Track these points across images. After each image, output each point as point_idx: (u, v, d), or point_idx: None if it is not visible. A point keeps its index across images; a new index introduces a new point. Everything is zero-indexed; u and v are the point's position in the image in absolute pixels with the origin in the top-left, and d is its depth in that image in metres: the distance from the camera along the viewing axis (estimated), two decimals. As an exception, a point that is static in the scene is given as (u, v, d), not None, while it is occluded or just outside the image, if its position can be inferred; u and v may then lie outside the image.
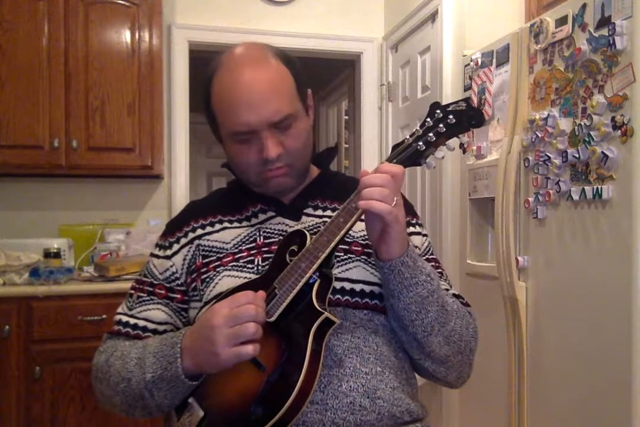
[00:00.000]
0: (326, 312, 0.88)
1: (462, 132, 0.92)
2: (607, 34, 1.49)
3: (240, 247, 1.04)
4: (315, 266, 0.89)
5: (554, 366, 1.72)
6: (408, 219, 1.10)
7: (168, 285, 1.06)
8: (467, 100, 0.92)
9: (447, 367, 1.01)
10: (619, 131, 1.46)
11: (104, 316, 2.26)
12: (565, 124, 1.65)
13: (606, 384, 1.51)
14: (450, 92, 2.46)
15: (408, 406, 0.96)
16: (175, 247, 1.08)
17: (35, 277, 2.30)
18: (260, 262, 1.01)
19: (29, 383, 2.23)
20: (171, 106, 2.93)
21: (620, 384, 1.45)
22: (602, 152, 1.49)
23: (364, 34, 3.22)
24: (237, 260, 1.02)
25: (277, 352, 0.88)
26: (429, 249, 1.13)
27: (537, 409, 1.79)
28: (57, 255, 2.42)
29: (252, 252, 1.03)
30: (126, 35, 2.61)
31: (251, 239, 1.05)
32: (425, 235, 1.14)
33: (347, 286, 0.99)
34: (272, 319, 0.89)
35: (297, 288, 0.89)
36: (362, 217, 0.91)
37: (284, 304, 0.89)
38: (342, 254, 1.02)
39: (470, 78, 2.19)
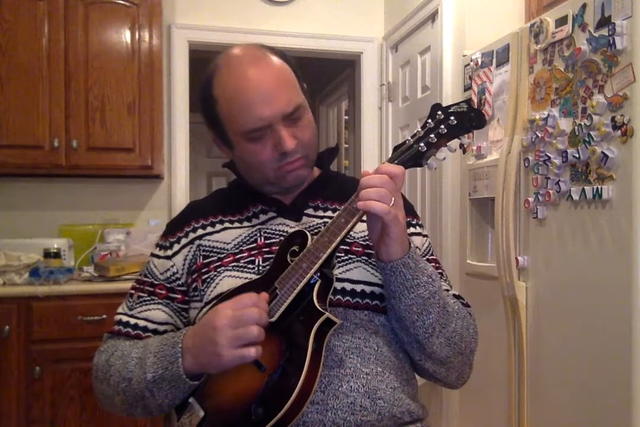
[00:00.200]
0: (327, 313, 0.88)
1: (463, 134, 0.92)
2: (607, 34, 1.49)
3: (241, 248, 1.04)
4: (316, 267, 0.89)
5: (554, 366, 1.72)
6: (408, 219, 1.10)
7: (169, 285, 1.07)
8: (469, 101, 0.92)
9: (448, 368, 1.01)
10: (619, 131, 1.46)
11: (104, 316, 2.26)
12: (565, 124, 1.65)
13: (606, 384, 1.51)
14: (450, 92, 2.46)
15: (408, 407, 0.96)
16: (176, 247, 1.08)
17: (35, 277, 2.30)
18: (260, 263, 1.01)
19: (29, 383, 2.23)
20: (171, 106, 2.93)
21: (620, 384, 1.45)
22: (602, 152, 1.50)
23: (364, 34, 3.22)
24: (238, 260, 1.02)
25: (277, 352, 0.89)
26: (429, 249, 1.13)
27: (537, 409, 1.79)
28: (57, 255, 2.42)
29: (253, 252, 1.03)
30: (126, 35, 2.61)
31: (252, 239, 1.05)
32: (425, 235, 1.14)
33: (348, 286, 0.99)
34: (273, 319, 0.89)
35: (298, 288, 0.89)
36: (364, 217, 0.91)
37: (285, 304, 0.89)
38: (343, 254, 1.02)
39: (470, 78, 2.19)
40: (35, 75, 2.49)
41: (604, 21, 1.51)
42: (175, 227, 1.11)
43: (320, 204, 1.09)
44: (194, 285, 1.04)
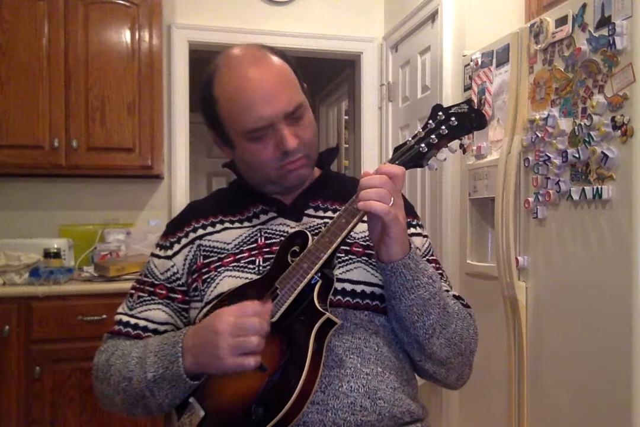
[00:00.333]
0: (328, 313, 0.88)
1: (464, 134, 0.92)
2: (607, 34, 1.49)
3: (241, 248, 1.04)
4: (317, 267, 0.89)
5: (554, 366, 1.72)
6: (409, 220, 1.10)
7: (169, 285, 1.07)
8: (469, 102, 0.92)
9: (448, 368, 1.01)
10: (619, 131, 1.46)
11: (104, 316, 2.26)
12: (565, 124, 1.65)
13: (606, 384, 1.51)
14: (450, 92, 2.46)
15: (409, 407, 0.96)
16: (176, 247, 1.08)
17: (35, 277, 2.30)
18: (261, 263, 1.01)
19: (29, 383, 2.23)
20: (171, 106, 2.93)
21: (620, 384, 1.45)
22: (602, 152, 1.50)
23: (364, 34, 3.22)
24: (238, 260, 1.02)
25: (278, 352, 0.89)
26: (430, 250, 1.13)
27: (537, 409, 1.79)
28: (57, 255, 2.42)
29: (253, 252, 1.03)
30: (126, 35, 2.61)
31: (252, 239, 1.05)
32: (425, 236, 1.14)
33: (348, 287, 0.99)
34: (274, 319, 0.89)
35: (299, 289, 0.89)
36: (365, 218, 0.91)
37: (286, 305, 0.89)
38: (343, 255, 1.02)
39: (470, 78, 2.19)
40: (35, 75, 2.49)
41: (604, 21, 1.51)
42: (176, 227, 1.11)
43: (320, 205, 1.09)
44: (194, 285, 1.04)
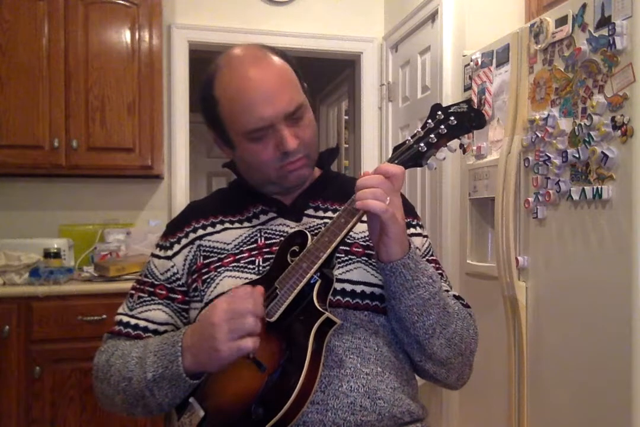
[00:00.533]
0: (327, 313, 0.88)
1: (463, 134, 0.92)
2: (607, 34, 1.49)
3: (241, 248, 1.04)
4: (316, 266, 0.89)
5: (554, 366, 1.72)
6: (409, 220, 1.10)
7: (169, 285, 1.07)
8: (469, 101, 0.92)
9: (448, 369, 1.01)
10: (619, 131, 1.46)
11: (104, 316, 2.26)
12: (565, 124, 1.65)
13: (606, 384, 1.51)
14: (450, 92, 2.46)
15: (408, 407, 0.96)
16: (176, 247, 1.08)
17: (35, 277, 2.30)
18: (261, 263, 1.01)
19: (29, 383, 2.23)
20: (171, 106, 2.93)
21: (620, 384, 1.45)
22: (602, 152, 1.50)
23: (364, 34, 3.22)
24: (238, 261, 1.02)
25: (277, 352, 0.89)
26: (429, 250, 1.13)
27: (537, 409, 1.79)
28: (57, 255, 2.42)
29: (253, 253, 1.03)
30: (126, 35, 2.61)
31: (252, 239, 1.05)
32: (425, 236, 1.14)
33: (348, 287, 0.99)
34: (273, 319, 0.89)
35: (298, 288, 0.89)
36: (364, 218, 0.91)
37: (285, 304, 0.89)
38: (343, 255, 1.02)
39: (470, 78, 2.19)
40: (35, 75, 2.49)
41: (604, 21, 1.51)
42: (176, 227, 1.11)
43: (320, 205, 1.09)
44: (194, 285, 1.04)
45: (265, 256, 1.02)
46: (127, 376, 0.95)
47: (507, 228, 1.86)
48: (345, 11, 3.19)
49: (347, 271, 1.00)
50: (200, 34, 2.98)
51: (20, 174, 2.66)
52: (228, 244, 1.05)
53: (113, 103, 2.59)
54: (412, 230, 1.11)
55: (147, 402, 0.95)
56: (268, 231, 1.06)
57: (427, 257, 1.10)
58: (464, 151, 2.21)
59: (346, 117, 4.29)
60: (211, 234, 1.07)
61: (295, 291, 0.89)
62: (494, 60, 2.04)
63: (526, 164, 1.84)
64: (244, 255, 1.03)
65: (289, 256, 0.95)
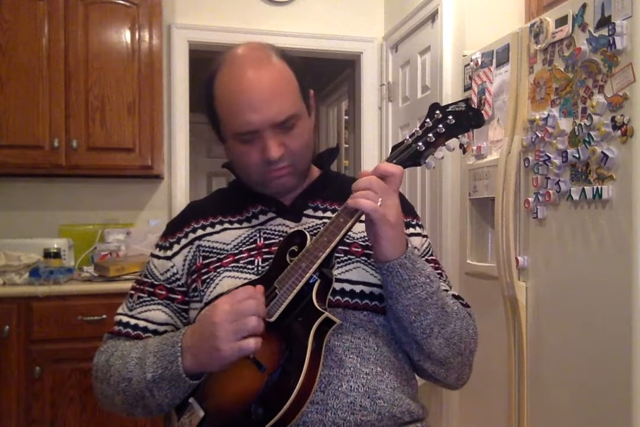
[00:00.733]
0: (326, 312, 0.88)
1: (462, 133, 0.92)
2: (607, 34, 1.49)
3: (240, 248, 1.04)
4: (315, 266, 0.89)
5: (554, 366, 1.72)
6: (408, 220, 1.10)
7: (169, 286, 1.07)
8: (467, 101, 0.93)
9: (447, 368, 1.01)
10: (619, 131, 1.46)
11: (104, 316, 2.26)
12: (565, 124, 1.65)
13: (606, 384, 1.51)
14: (450, 92, 2.46)
15: (408, 406, 0.96)
16: (176, 247, 1.08)
17: (35, 277, 2.30)
18: (260, 263, 1.01)
19: (29, 383, 2.23)
20: (171, 106, 2.93)
21: (620, 384, 1.45)
22: (602, 152, 1.49)
23: (364, 34, 3.22)
24: (238, 261, 1.02)
25: (277, 352, 0.88)
26: (429, 250, 1.13)
27: (537, 409, 1.79)
28: (57, 255, 2.42)
29: (252, 253, 1.03)
30: (126, 35, 2.61)
31: (251, 240, 1.05)
32: (425, 236, 1.14)
33: (347, 287, 0.99)
34: (273, 319, 0.89)
35: (298, 288, 0.89)
36: (363, 218, 0.91)
37: (285, 304, 0.89)
38: (342, 255, 1.02)
39: (470, 78, 2.19)
40: (35, 75, 2.49)
41: (604, 21, 1.51)
42: (175, 227, 1.11)
43: (320, 205, 1.09)
44: (193, 285, 1.04)
45: (265, 256, 1.02)
46: (126, 377, 0.95)
47: (507, 228, 1.86)
48: (345, 11, 3.19)
49: (346, 271, 1.00)
50: (200, 34, 2.98)
51: (20, 174, 2.67)
52: (227, 244, 1.05)
53: (113, 103, 2.59)
54: (411, 230, 1.11)
55: (147, 402, 0.95)
56: (267, 231, 1.06)
57: (426, 257, 1.10)
58: (464, 151, 2.21)
59: (346, 117, 4.29)
60: (210, 234, 1.07)
61: (295, 291, 0.89)
62: (494, 60, 2.04)
63: (526, 164, 1.83)
64: (243, 255, 1.03)
65: (288, 255, 0.95)
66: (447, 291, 1.05)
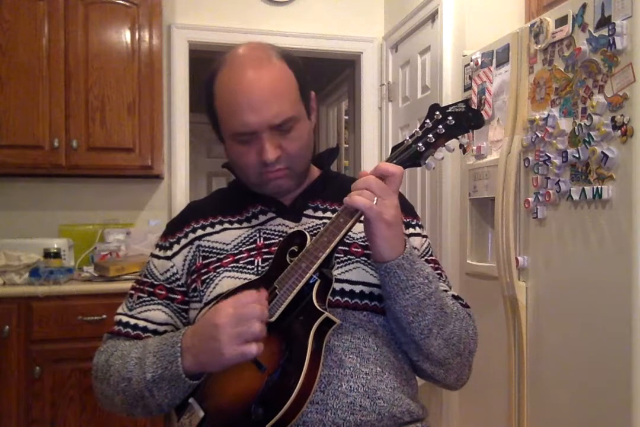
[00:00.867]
0: (326, 312, 0.88)
1: (461, 134, 0.92)
2: (607, 34, 1.49)
3: (240, 248, 1.04)
4: (315, 266, 0.89)
5: (554, 366, 1.72)
6: (408, 220, 1.10)
7: (168, 286, 1.07)
8: (467, 101, 0.93)
9: (446, 369, 1.01)
10: (619, 131, 1.46)
11: (104, 316, 2.26)
12: (565, 124, 1.65)
13: (606, 384, 1.51)
14: (450, 92, 2.46)
15: (408, 406, 0.96)
16: (176, 247, 1.08)
17: (35, 277, 2.30)
18: (260, 263, 1.01)
19: (29, 383, 2.23)
20: (171, 106, 2.93)
21: (620, 384, 1.45)
22: (602, 152, 1.49)
23: (364, 34, 3.22)
24: (237, 261, 1.02)
25: (277, 352, 0.89)
26: (429, 250, 1.12)
27: (537, 409, 1.79)
28: (57, 255, 2.42)
29: (252, 253, 1.03)
30: (126, 35, 2.61)
31: (251, 240, 1.05)
32: (425, 236, 1.13)
33: (347, 287, 0.99)
34: (273, 319, 0.89)
35: (298, 288, 0.89)
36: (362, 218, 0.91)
37: (285, 304, 0.89)
38: (342, 255, 1.02)
39: (470, 78, 2.19)
40: (35, 75, 2.49)
41: (604, 21, 1.51)
42: (175, 227, 1.11)
43: (319, 205, 1.09)
44: (193, 286, 1.04)
45: (265, 256, 1.02)
46: (126, 377, 0.95)
47: (507, 228, 1.86)
48: (345, 11, 3.19)
49: (346, 271, 1.00)
50: (200, 34, 2.98)
51: (20, 174, 2.67)
52: (227, 244, 1.05)
53: (113, 103, 2.59)
54: (411, 230, 1.10)
55: (147, 402, 0.95)
56: (267, 231, 1.06)
57: (426, 257, 1.10)
58: (464, 151, 2.21)
59: (346, 117, 4.29)
60: (210, 234, 1.07)
61: (295, 291, 0.89)
62: (494, 60, 2.04)
63: (526, 164, 1.83)
64: (243, 255, 1.03)
65: (288, 256, 0.95)
66: (446, 291, 1.05)
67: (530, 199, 1.80)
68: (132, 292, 1.10)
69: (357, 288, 1.00)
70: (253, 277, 0.99)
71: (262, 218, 1.08)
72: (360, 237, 1.04)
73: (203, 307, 1.01)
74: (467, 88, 2.22)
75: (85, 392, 2.26)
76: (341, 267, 1.00)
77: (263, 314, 0.85)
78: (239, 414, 0.88)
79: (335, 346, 0.94)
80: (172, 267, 1.07)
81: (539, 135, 1.75)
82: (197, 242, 1.07)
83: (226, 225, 1.08)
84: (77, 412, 2.27)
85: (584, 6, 1.59)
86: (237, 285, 0.97)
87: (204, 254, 1.05)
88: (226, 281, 1.00)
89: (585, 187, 1.57)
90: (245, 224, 1.08)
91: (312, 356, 0.86)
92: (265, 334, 0.84)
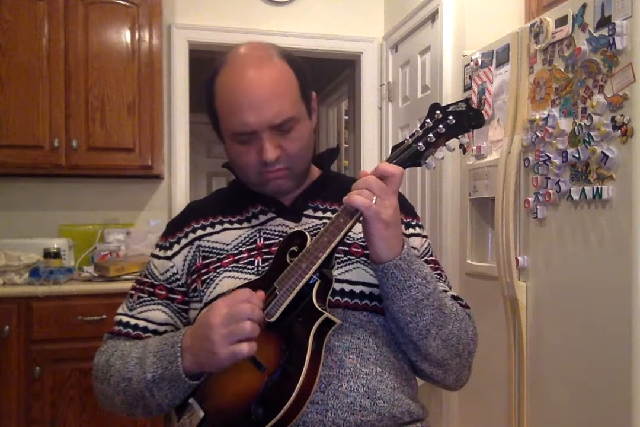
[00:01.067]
0: (326, 313, 0.88)
1: (462, 133, 0.92)
2: (607, 34, 1.49)
3: (240, 249, 1.04)
4: (315, 266, 0.89)
5: (554, 366, 1.72)
6: (408, 220, 1.10)
7: (169, 286, 1.07)
8: (467, 101, 0.92)
9: (445, 370, 1.00)
10: (619, 131, 1.46)
11: (104, 316, 2.26)
12: (565, 124, 1.65)
13: (606, 384, 1.51)
14: (450, 92, 2.46)
15: (408, 407, 0.96)
16: (176, 247, 1.08)
17: (35, 277, 2.30)
18: (260, 264, 1.01)
19: (29, 383, 2.23)
20: (171, 106, 2.93)
21: (620, 384, 1.45)
22: (602, 152, 1.49)
23: (364, 34, 3.22)
24: (237, 261, 1.02)
25: (277, 352, 0.88)
26: (429, 250, 1.12)
27: (537, 409, 1.79)
28: (57, 255, 2.42)
29: (252, 253, 1.03)
30: (126, 35, 2.61)
31: (251, 240, 1.05)
32: (425, 236, 1.13)
33: (347, 287, 0.99)
34: (273, 319, 0.89)
35: (298, 288, 0.89)
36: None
37: (285, 305, 0.89)
38: (342, 255, 1.02)
39: (470, 78, 2.19)
40: (35, 75, 2.49)
41: (604, 21, 1.51)
42: (175, 227, 1.11)
43: (320, 205, 1.09)
44: (193, 286, 1.04)
45: (265, 257, 1.02)
46: (126, 377, 0.95)
47: (507, 228, 1.86)
48: (345, 11, 3.19)
49: (346, 271, 1.00)
50: (200, 34, 2.98)
51: (20, 174, 2.67)
52: (227, 244, 1.05)
53: (113, 103, 2.59)
54: (411, 230, 1.10)
55: (147, 402, 0.95)
56: (267, 231, 1.06)
57: (426, 258, 1.10)
58: (464, 151, 2.21)
59: (346, 117, 4.29)
60: (210, 234, 1.07)
61: (295, 291, 0.89)
62: (494, 60, 2.04)
63: (526, 164, 1.83)
64: (243, 255, 1.03)
65: (288, 256, 0.94)
66: (446, 291, 1.05)
67: (530, 199, 1.80)
68: (132, 292, 1.10)
69: (357, 288, 1.00)
70: (253, 277, 0.99)
71: (262, 218, 1.08)
72: (360, 238, 1.04)
73: (203, 307, 1.01)
74: (467, 88, 2.22)
75: (85, 392, 2.26)
76: (341, 267, 1.00)
77: (254, 313, 0.84)
78: (239, 414, 0.88)
79: (336, 346, 0.94)
80: (172, 267, 1.07)
81: (539, 135, 1.75)
82: (197, 242, 1.06)
83: (226, 225, 1.08)
84: (77, 412, 2.27)
85: (584, 6, 1.59)
86: (237, 285, 0.97)
87: (204, 254, 1.05)
88: (226, 281, 1.00)
89: (585, 187, 1.57)
90: (245, 224, 1.08)
91: (312, 356, 0.86)
92: (257, 333, 0.84)
